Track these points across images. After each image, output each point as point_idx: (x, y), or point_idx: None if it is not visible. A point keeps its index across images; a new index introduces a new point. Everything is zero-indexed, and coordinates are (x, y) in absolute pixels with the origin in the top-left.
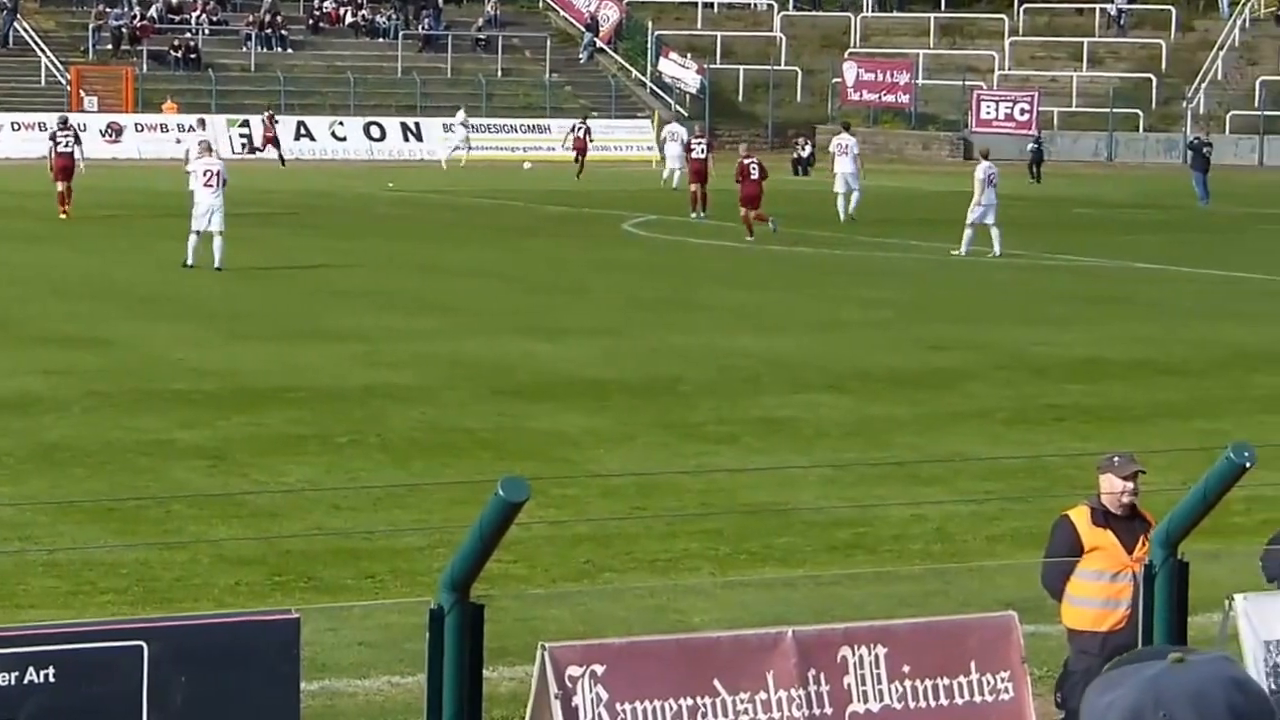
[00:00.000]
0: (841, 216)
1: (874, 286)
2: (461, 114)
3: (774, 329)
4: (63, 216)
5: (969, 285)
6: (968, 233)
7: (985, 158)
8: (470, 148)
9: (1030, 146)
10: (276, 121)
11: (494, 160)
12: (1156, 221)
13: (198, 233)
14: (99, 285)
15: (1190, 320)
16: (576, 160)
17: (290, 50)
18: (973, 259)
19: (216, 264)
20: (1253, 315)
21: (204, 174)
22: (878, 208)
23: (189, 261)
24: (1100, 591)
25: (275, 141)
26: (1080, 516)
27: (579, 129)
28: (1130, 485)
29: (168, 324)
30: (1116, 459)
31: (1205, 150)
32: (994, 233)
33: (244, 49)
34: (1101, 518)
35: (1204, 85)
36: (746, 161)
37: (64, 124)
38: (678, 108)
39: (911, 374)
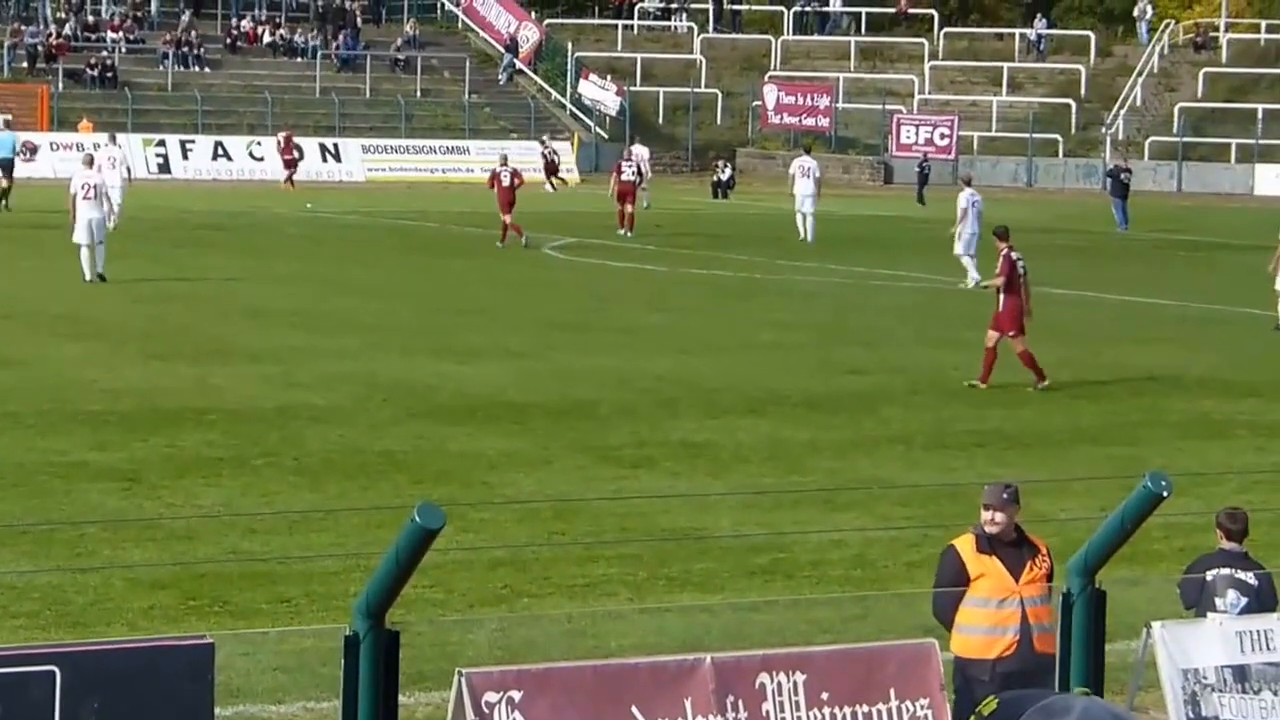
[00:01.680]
0: (802, 235)
1: (792, 310)
2: (545, 140)
3: (692, 352)
4: None
5: (886, 309)
6: (966, 262)
7: (968, 184)
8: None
9: (915, 170)
10: (296, 145)
11: (412, 181)
12: (1075, 247)
13: (87, 246)
14: (6, 304)
15: (1108, 345)
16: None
17: (208, 70)
18: (884, 284)
19: (99, 269)
20: (1169, 340)
21: (83, 187)
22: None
23: (86, 276)
24: (986, 619)
25: (294, 164)
26: (965, 545)
27: (547, 151)
28: (991, 515)
29: (80, 343)
30: (987, 487)
31: (1124, 177)
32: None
33: (161, 68)
34: (986, 545)
35: (1123, 111)
36: (500, 170)
37: None
38: (597, 129)
39: (829, 398)
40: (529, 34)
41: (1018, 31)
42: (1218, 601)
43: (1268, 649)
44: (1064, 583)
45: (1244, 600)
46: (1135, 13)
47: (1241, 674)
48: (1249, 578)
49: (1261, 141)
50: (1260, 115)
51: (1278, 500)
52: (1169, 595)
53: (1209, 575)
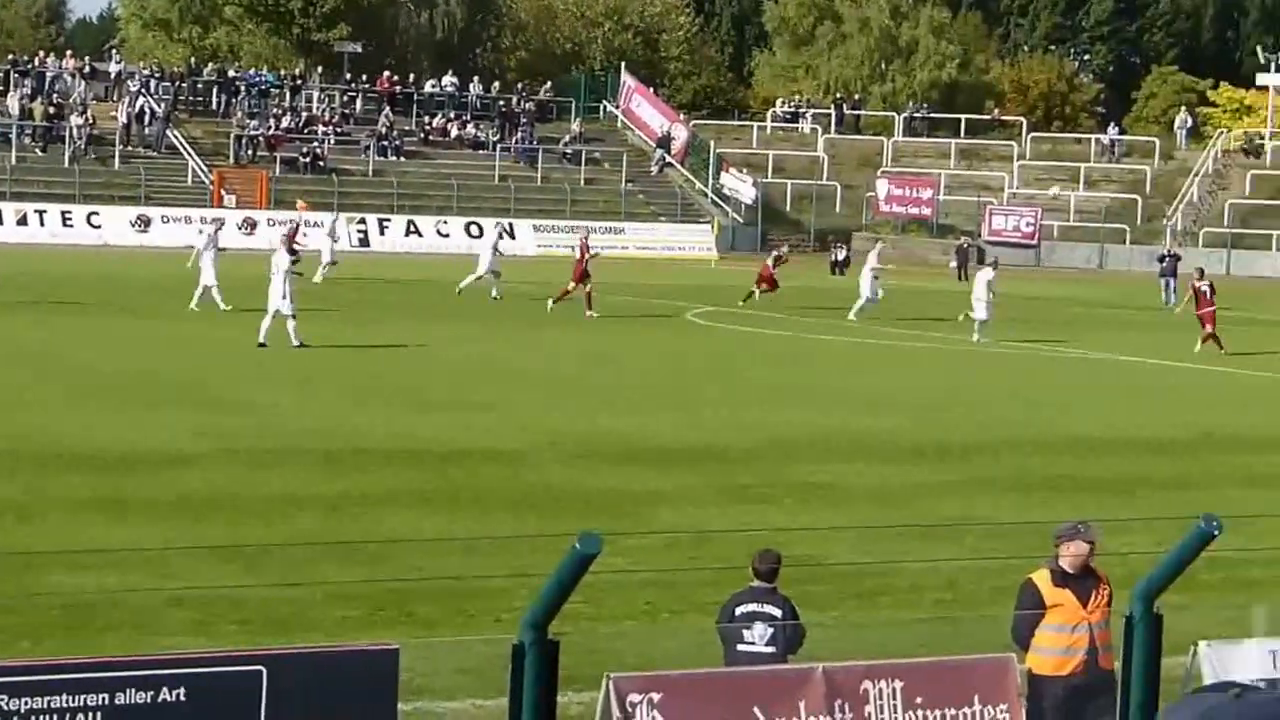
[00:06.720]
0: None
1: (896, 373)
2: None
3: (812, 405)
4: None
5: (977, 371)
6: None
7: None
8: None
9: (956, 249)
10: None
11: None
12: (1138, 320)
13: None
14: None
15: (1169, 404)
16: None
17: (403, 159)
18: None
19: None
20: (1221, 402)
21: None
22: (900, 306)
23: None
24: (1060, 642)
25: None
26: (1042, 579)
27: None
28: (1069, 549)
29: (297, 392)
30: (1080, 527)
31: (1172, 260)
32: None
33: (364, 157)
34: (1060, 579)
35: (1181, 206)
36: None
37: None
38: (734, 215)
39: (932, 446)
40: (679, 132)
41: (1094, 137)
42: (746, 634)
43: None
44: (1127, 608)
45: (770, 631)
46: (1176, 124)
47: (1274, 687)
48: (775, 612)
49: None
50: None
51: None
52: (1212, 618)
53: (739, 610)
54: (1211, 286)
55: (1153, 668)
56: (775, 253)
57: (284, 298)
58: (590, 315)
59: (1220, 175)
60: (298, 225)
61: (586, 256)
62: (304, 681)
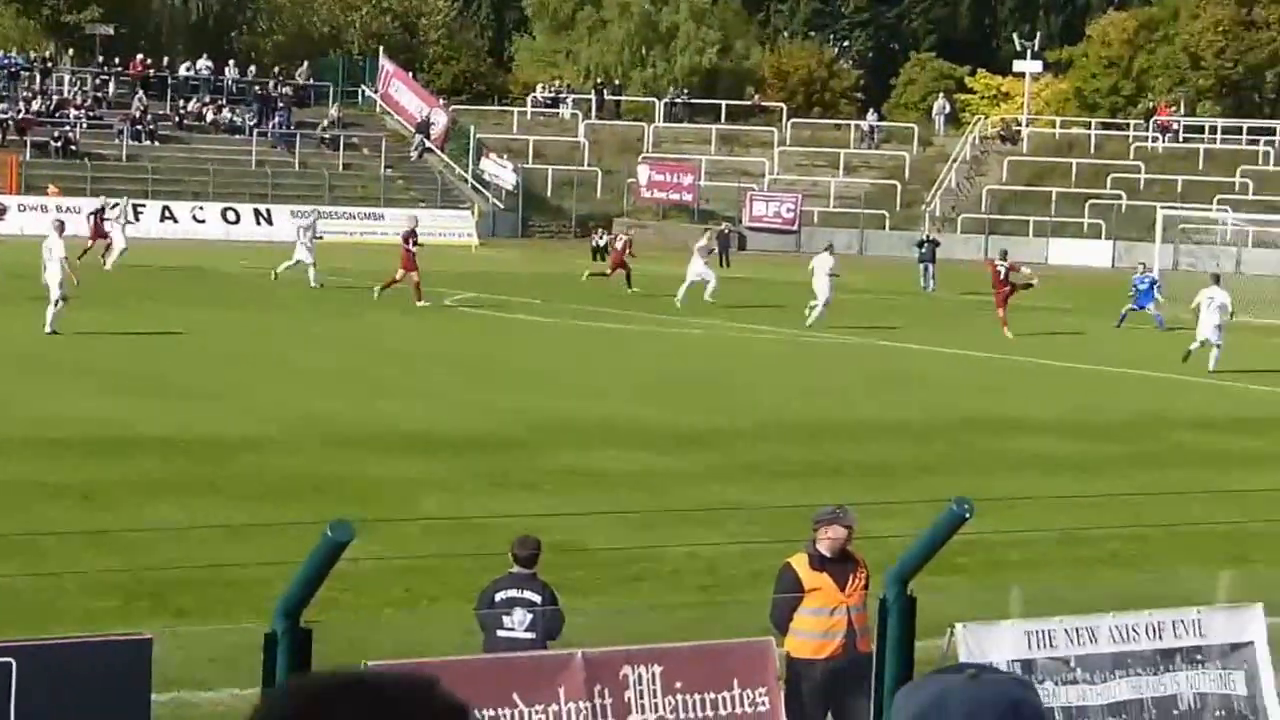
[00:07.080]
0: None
1: (661, 357)
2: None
3: (575, 392)
4: None
5: (753, 357)
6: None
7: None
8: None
9: (717, 234)
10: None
11: (334, 244)
12: (897, 306)
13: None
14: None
15: (928, 390)
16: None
17: (158, 143)
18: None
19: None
20: (985, 387)
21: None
22: (663, 293)
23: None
24: (819, 625)
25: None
26: (800, 563)
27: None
28: (826, 534)
29: (46, 380)
30: (838, 511)
31: (930, 246)
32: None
33: (117, 141)
34: (818, 562)
35: (940, 192)
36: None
37: None
38: (495, 201)
39: (693, 433)
40: (439, 118)
41: (853, 123)
42: (505, 620)
43: (1050, 646)
44: (881, 591)
45: (529, 617)
46: (934, 110)
47: (1029, 667)
48: (534, 598)
49: (1055, 219)
50: (1054, 197)
51: (1064, 520)
52: (969, 600)
53: (498, 596)
54: (1009, 268)
55: (907, 649)
56: (623, 238)
57: (59, 285)
58: (421, 304)
59: (978, 162)
60: (102, 210)
61: (412, 246)
62: (55, 673)
